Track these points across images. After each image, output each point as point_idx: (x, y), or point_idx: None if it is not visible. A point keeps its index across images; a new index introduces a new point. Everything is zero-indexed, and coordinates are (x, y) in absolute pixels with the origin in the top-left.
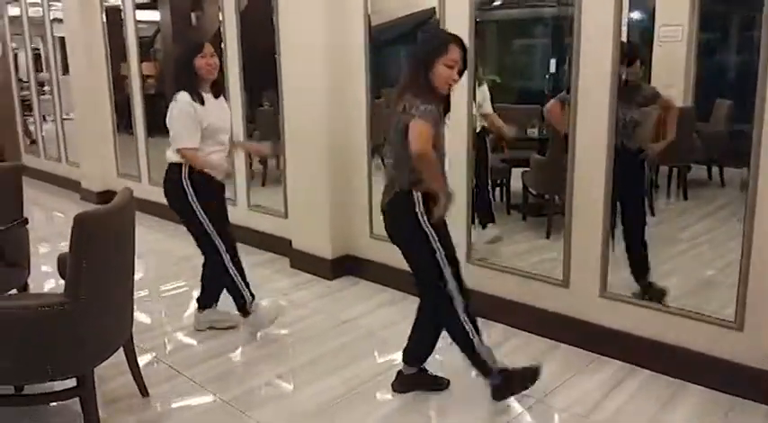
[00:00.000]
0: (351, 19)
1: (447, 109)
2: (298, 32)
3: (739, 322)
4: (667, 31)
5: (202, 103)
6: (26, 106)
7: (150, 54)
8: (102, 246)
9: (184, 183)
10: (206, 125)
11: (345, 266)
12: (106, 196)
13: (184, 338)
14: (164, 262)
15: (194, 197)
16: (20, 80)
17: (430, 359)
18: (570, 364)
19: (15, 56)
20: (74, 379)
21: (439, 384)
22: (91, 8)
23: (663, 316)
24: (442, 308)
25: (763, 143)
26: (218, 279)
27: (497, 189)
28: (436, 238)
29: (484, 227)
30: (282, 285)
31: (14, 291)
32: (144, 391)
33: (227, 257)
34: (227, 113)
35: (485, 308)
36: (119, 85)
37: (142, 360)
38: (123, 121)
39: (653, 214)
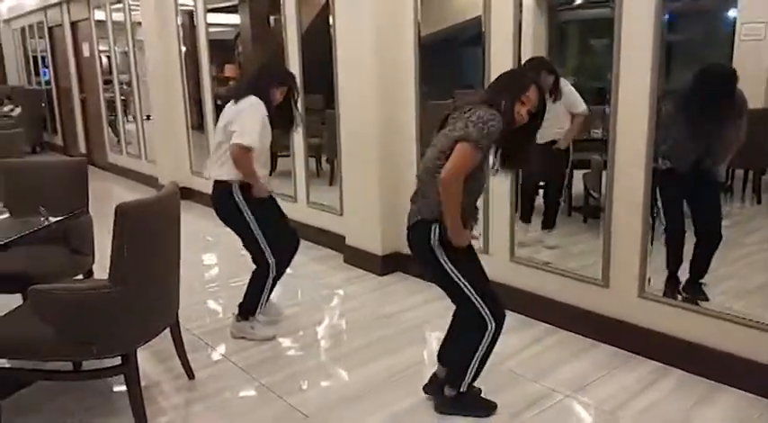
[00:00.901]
0: (401, 31)
1: (520, 150)
2: (351, 46)
3: None
4: (750, 29)
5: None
6: (112, 107)
7: (234, 56)
8: (143, 235)
9: (237, 199)
10: (264, 141)
11: (395, 263)
12: (181, 193)
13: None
14: (232, 255)
15: (248, 212)
16: (105, 82)
17: None
18: (607, 363)
19: (102, 58)
20: (119, 358)
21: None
22: (167, 11)
23: (701, 318)
24: (474, 322)
25: None
26: (255, 290)
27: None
28: (453, 270)
29: (544, 227)
30: (335, 280)
31: (80, 276)
32: (190, 374)
33: (272, 275)
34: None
35: (526, 305)
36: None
37: (194, 346)
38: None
39: None
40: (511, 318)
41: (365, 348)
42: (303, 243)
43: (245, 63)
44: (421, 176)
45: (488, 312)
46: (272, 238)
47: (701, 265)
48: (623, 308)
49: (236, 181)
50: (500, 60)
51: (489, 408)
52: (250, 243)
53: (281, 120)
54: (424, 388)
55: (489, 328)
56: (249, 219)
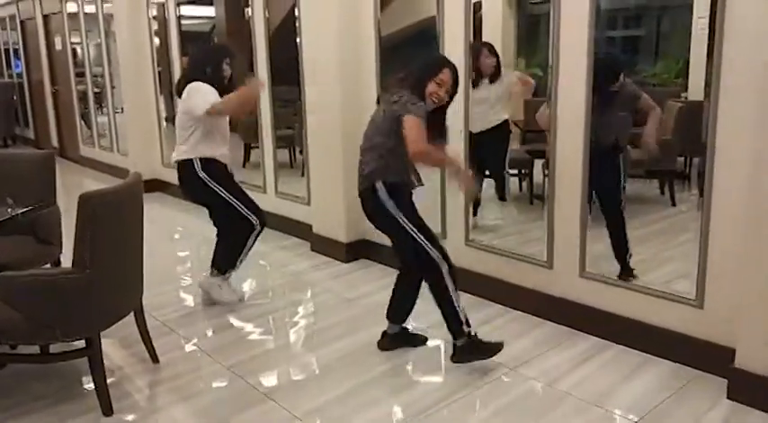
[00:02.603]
0: (362, 30)
1: (441, 128)
2: (315, 40)
3: (699, 300)
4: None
5: None
6: (85, 99)
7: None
8: (106, 222)
9: (201, 175)
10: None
11: (360, 250)
12: (152, 184)
13: (200, 312)
14: (203, 245)
15: (214, 184)
16: (79, 75)
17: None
18: (550, 339)
19: (74, 51)
20: (83, 341)
21: (420, 341)
22: (138, 3)
23: (635, 295)
24: (428, 274)
25: None
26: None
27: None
28: (407, 221)
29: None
30: (300, 267)
31: (48, 265)
32: (155, 358)
33: (257, 229)
34: None
35: (481, 287)
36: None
37: (160, 331)
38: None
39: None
40: (467, 299)
41: (327, 330)
42: (271, 232)
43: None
44: (365, 151)
45: (438, 255)
46: (244, 201)
47: (616, 243)
48: (566, 287)
49: (197, 157)
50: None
51: (498, 347)
52: (226, 209)
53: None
54: (378, 344)
55: (443, 268)
56: (217, 188)
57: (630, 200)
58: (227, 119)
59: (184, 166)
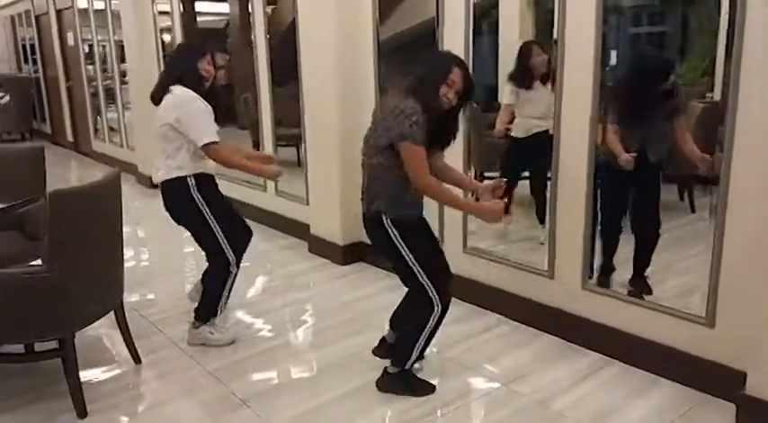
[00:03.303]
0: (361, 29)
1: (449, 132)
2: (315, 42)
3: (710, 319)
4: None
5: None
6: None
7: (225, 45)
8: (78, 221)
9: (194, 195)
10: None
11: (357, 253)
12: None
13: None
14: None
15: (205, 208)
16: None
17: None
18: (549, 353)
19: (90, 47)
20: (56, 342)
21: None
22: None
23: (641, 310)
24: (418, 305)
25: None
26: (215, 288)
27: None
28: (409, 252)
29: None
30: (296, 269)
31: (39, 261)
32: (136, 359)
33: (233, 271)
34: None
35: (479, 296)
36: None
37: (147, 331)
38: None
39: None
40: (464, 308)
41: (319, 334)
42: (270, 232)
43: (234, 53)
44: (364, 170)
45: (435, 294)
46: (228, 233)
47: (642, 259)
48: (567, 299)
49: (191, 174)
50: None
51: (428, 388)
52: (207, 240)
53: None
54: (373, 351)
55: (436, 310)
56: (207, 214)
57: None
58: None
59: (174, 186)
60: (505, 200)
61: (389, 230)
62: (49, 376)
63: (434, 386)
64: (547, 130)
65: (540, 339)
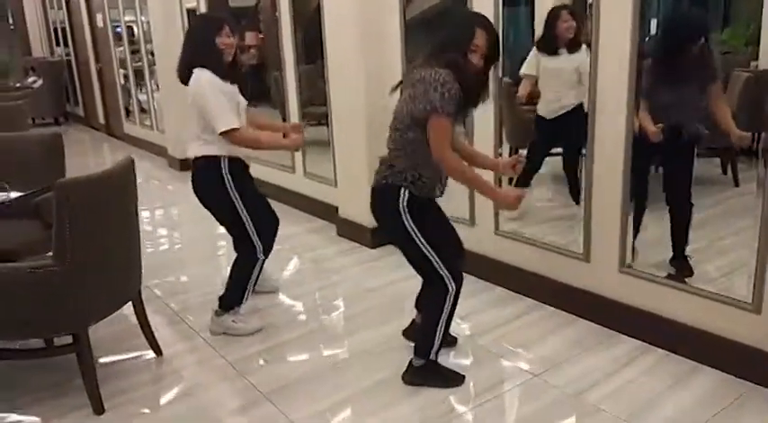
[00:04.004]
0: (386, 6)
1: (476, 100)
2: (339, 19)
3: (756, 304)
4: None
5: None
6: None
7: (256, 24)
8: (88, 212)
9: (226, 178)
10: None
11: None
12: (188, 164)
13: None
14: None
15: (235, 193)
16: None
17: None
18: (584, 340)
19: (118, 28)
20: (70, 336)
21: (447, 341)
22: None
23: (682, 295)
24: (431, 288)
25: None
26: (241, 276)
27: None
28: (421, 238)
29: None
30: (325, 253)
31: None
32: (157, 350)
33: (261, 259)
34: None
35: (511, 280)
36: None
37: (170, 320)
38: None
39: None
40: (497, 292)
41: (347, 322)
42: (299, 214)
43: (266, 31)
44: (390, 143)
45: (447, 273)
46: (256, 219)
47: (678, 237)
48: (603, 283)
49: (224, 155)
50: None
51: (457, 379)
52: (235, 227)
53: (234, 74)
54: (403, 332)
55: (450, 289)
56: (235, 199)
57: None
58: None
59: (206, 164)
60: (524, 191)
61: (401, 209)
62: (69, 370)
63: (463, 376)
64: (575, 108)
65: (576, 325)
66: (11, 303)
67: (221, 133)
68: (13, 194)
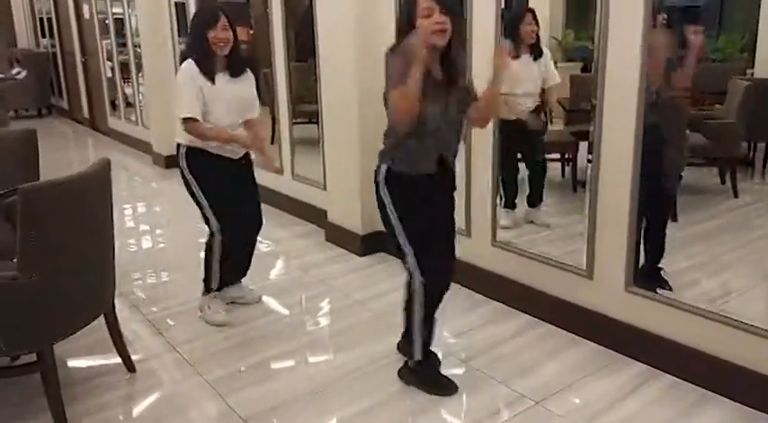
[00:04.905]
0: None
1: (452, 74)
2: (332, 14)
3: None
4: None
5: (212, 81)
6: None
7: (247, 19)
8: (54, 220)
9: (182, 163)
10: (217, 103)
11: (377, 243)
12: (173, 161)
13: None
14: None
15: (194, 180)
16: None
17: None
18: (588, 364)
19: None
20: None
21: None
22: None
23: (694, 318)
24: (407, 282)
25: None
26: (206, 257)
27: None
28: (392, 206)
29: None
30: (312, 259)
31: None
32: (130, 367)
33: (217, 246)
34: (245, 91)
35: (508, 294)
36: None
37: (147, 332)
38: None
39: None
40: (492, 306)
41: (335, 337)
42: (287, 218)
43: (256, 26)
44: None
45: (417, 265)
46: (220, 208)
47: (654, 244)
48: (608, 302)
49: (184, 144)
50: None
51: (449, 387)
52: (198, 207)
53: (233, 68)
54: (397, 346)
55: (415, 286)
56: (192, 182)
57: (686, 190)
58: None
59: (177, 147)
60: None
61: (380, 180)
62: (33, 388)
63: (456, 386)
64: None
65: (578, 346)
66: None
67: (181, 120)
68: None
